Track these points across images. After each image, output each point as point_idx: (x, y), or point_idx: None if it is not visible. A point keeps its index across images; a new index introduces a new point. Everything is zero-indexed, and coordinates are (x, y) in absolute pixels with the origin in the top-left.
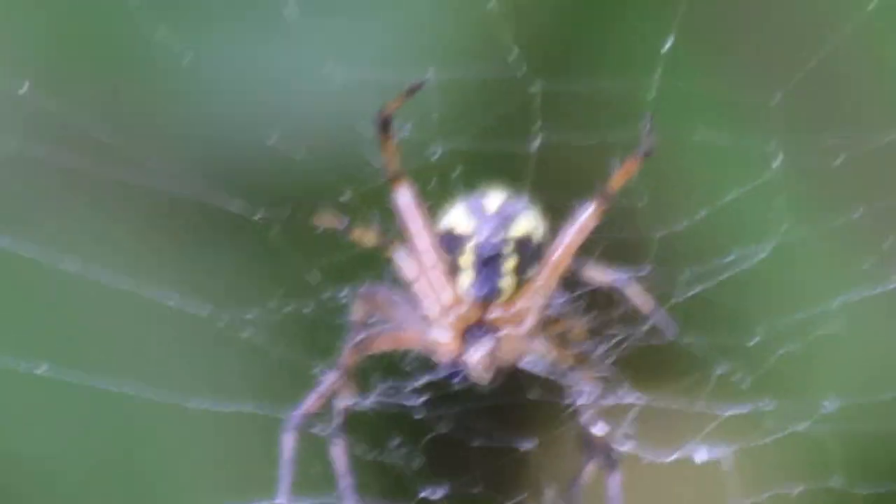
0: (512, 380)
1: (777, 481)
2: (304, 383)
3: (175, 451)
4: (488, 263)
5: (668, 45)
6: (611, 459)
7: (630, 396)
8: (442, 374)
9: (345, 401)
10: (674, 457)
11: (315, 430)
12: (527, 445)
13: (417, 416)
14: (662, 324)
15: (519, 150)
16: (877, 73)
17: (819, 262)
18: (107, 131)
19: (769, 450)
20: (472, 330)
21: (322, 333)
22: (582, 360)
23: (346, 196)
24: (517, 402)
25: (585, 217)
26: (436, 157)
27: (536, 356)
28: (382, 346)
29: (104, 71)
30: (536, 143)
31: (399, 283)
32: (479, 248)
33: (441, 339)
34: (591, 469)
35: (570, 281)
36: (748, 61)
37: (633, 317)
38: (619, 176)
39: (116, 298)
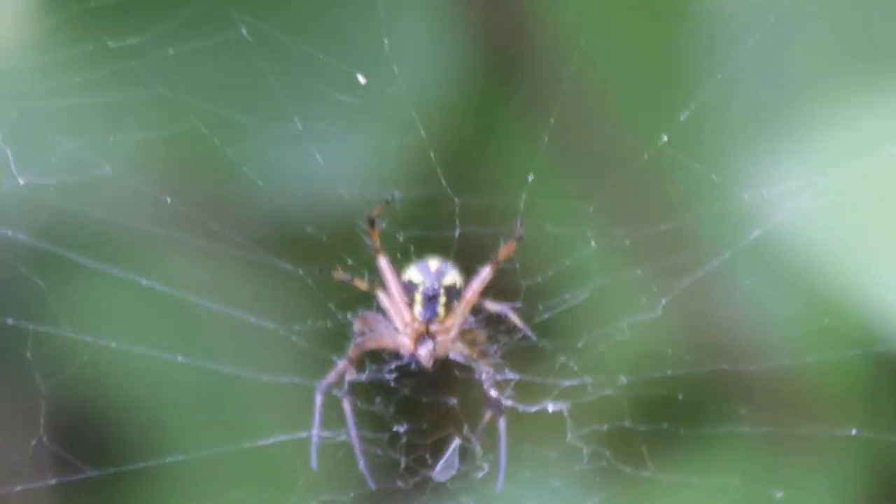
0: (444, 365)
1: (594, 422)
2: (327, 366)
3: (251, 405)
4: (430, 299)
5: (531, 178)
6: (500, 409)
7: (510, 374)
8: (404, 361)
9: (350, 375)
10: (535, 408)
11: (333, 393)
12: (452, 401)
13: (391, 385)
14: (528, 334)
15: (447, 235)
16: (649, 193)
17: (616, 299)
18: (217, 224)
19: (589, 405)
20: (421, 337)
21: (337, 338)
22: (483, 353)
23: (350, 261)
24: (447, 376)
25: (485, 273)
26: (400, 240)
27: (458, 351)
28: (371, 345)
29: (216, 190)
30: (457, 232)
31: (380, 310)
32: (425, 291)
33: (404, 342)
34: (488, 415)
35: (476, 309)
36: (576, 186)
37: (511, 330)
38: (503, 251)
39: (222, 318)
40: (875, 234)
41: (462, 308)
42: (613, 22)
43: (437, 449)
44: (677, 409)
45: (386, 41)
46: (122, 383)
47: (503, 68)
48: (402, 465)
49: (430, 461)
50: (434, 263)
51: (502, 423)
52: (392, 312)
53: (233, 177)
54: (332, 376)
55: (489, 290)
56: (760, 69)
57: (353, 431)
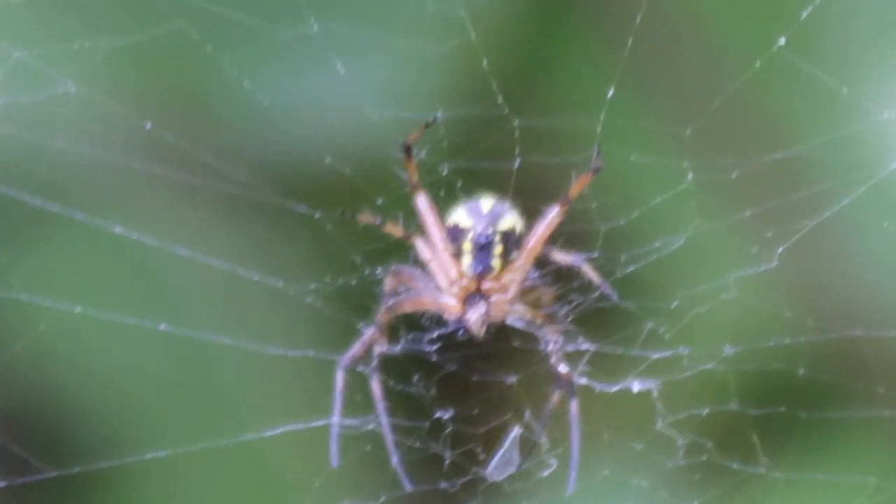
0: (500, 332)
1: (691, 405)
2: (351, 335)
3: (257, 385)
4: (482, 249)
5: (610, 93)
6: (571, 389)
7: (584, 344)
8: (450, 328)
9: (380, 347)
10: (616, 388)
11: (359, 369)
12: (511, 380)
13: (432, 359)
14: (607, 292)
15: (504, 167)
16: (760, 112)
17: (719, 248)
18: (211, 156)
19: (685, 383)
20: (471, 297)
21: (364, 299)
22: (550, 318)
23: (380, 201)
24: (504, 348)
25: (552, 215)
26: (444, 173)
27: (517, 315)
28: (407, 308)
29: (208, 112)
30: (516, 163)
31: (418, 263)
32: (475, 238)
33: (449, 303)
34: (557, 397)
35: (541, 261)
36: (668, 104)
37: (586, 287)
38: (576, 186)
39: (216, 275)
40: None
41: (523, 260)
42: None
43: (492, 441)
44: (798, 388)
45: None
46: (88, 359)
47: None
48: (447, 460)
49: (482, 456)
50: (487, 203)
51: (574, 407)
52: (434, 266)
53: (230, 94)
54: (357, 348)
55: (558, 237)
56: None
57: (383, 419)
